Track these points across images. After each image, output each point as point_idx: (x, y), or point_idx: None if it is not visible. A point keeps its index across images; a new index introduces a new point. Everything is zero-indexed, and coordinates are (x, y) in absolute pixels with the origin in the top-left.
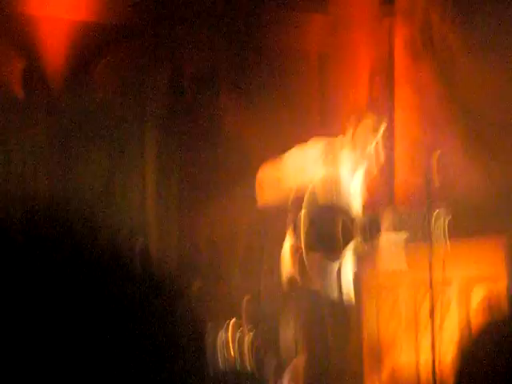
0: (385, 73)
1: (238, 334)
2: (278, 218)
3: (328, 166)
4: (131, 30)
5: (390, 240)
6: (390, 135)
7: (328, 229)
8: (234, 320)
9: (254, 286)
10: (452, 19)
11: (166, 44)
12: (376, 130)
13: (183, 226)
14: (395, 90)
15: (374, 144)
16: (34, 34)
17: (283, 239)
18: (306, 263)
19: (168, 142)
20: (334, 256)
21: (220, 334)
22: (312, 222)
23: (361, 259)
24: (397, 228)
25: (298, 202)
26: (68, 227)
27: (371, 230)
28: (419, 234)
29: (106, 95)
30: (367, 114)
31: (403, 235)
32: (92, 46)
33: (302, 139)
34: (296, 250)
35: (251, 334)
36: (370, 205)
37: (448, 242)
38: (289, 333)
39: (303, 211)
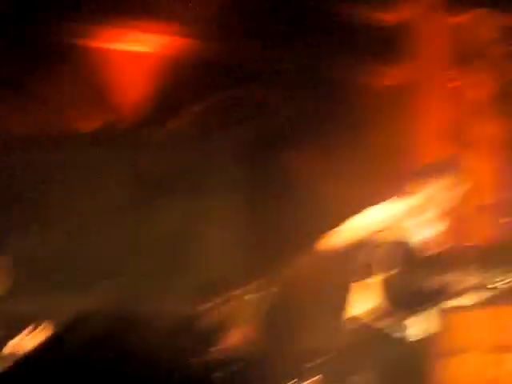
0: (456, 134)
1: None
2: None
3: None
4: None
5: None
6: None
7: (408, 283)
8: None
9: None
10: None
11: (248, 99)
12: (452, 189)
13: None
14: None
15: (449, 203)
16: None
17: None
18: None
19: (244, 202)
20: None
21: None
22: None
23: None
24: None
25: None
26: None
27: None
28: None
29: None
30: (443, 173)
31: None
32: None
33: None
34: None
35: None
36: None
37: None
38: None
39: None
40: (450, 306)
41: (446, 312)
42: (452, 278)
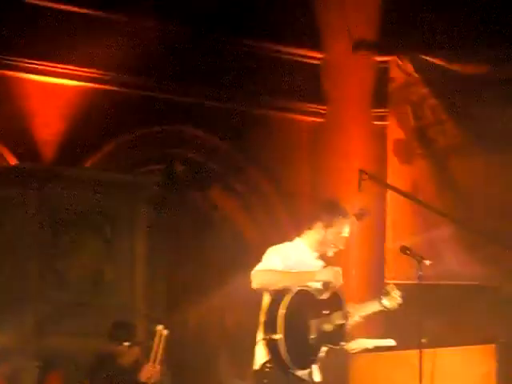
0: (376, 173)
1: None
2: None
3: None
4: (120, 124)
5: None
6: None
7: (302, 334)
8: None
9: None
10: (444, 120)
11: (157, 141)
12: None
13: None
14: (387, 192)
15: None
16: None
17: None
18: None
19: (157, 239)
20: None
21: None
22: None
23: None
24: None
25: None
26: None
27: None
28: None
29: (98, 191)
30: (351, 210)
31: (391, 342)
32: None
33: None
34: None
35: None
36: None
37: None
38: None
39: (280, 311)
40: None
41: (347, 356)
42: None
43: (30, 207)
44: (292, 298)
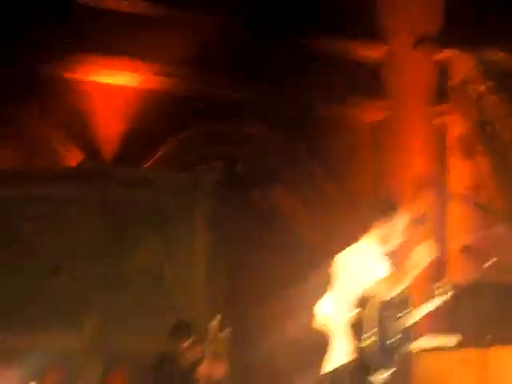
0: (437, 170)
1: None
2: None
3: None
4: (180, 124)
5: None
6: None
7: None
8: None
9: None
10: (505, 115)
11: (217, 139)
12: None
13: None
14: (449, 188)
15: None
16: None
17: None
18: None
19: (217, 236)
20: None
21: None
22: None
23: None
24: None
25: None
26: None
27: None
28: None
29: (158, 190)
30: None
31: (453, 340)
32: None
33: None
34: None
35: None
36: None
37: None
38: None
39: (367, 317)
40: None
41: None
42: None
43: (91, 207)
44: (378, 303)
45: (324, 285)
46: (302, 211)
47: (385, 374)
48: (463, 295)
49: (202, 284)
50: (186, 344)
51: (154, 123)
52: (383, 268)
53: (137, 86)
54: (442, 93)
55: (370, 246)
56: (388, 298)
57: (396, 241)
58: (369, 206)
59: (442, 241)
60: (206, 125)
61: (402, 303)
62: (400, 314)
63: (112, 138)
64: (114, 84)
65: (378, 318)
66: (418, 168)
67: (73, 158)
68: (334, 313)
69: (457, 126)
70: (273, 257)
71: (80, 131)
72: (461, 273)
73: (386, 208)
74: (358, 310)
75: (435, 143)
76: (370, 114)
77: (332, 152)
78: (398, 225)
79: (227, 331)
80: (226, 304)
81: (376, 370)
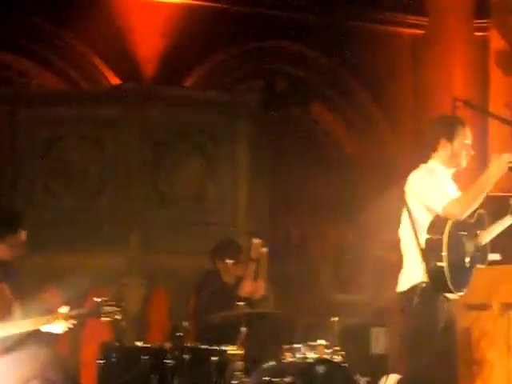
0: (478, 86)
1: None
2: None
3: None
4: (219, 42)
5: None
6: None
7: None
8: None
9: None
10: None
11: (256, 57)
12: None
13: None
14: (490, 104)
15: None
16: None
17: None
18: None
19: (259, 155)
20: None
21: None
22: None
23: None
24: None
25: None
26: None
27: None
28: None
29: (198, 110)
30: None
31: (496, 256)
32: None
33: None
34: None
35: None
36: None
37: None
38: None
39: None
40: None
41: None
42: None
43: (131, 127)
44: (453, 223)
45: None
46: (342, 128)
47: (461, 293)
48: None
49: (245, 202)
50: (229, 261)
51: (194, 42)
52: (455, 188)
53: (177, 2)
54: (482, 7)
55: (439, 166)
56: (463, 217)
57: (463, 161)
58: (433, 124)
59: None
60: (247, 43)
61: (478, 221)
62: (477, 232)
63: (152, 57)
64: (153, 1)
65: (454, 237)
66: (459, 84)
67: (114, 78)
68: (408, 233)
69: (498, 41)
70: (316, 173)
71: (120, 50)
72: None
73: (447, 121)
74: (432, 230)
75: (476, 59)
76: (410, 30)
77: (372, 70)
78: (462, 134)
79: (265, 250)
80: (269, 222)
81: (448, 289)
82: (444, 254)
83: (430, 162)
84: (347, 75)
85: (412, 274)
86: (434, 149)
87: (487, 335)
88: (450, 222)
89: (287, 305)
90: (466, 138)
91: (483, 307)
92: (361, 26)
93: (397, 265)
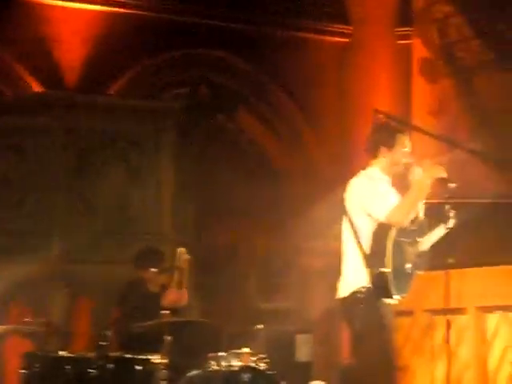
0: (402, 94)
1: None
2: None
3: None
4: (144, 49)
5: None
6: None
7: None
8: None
9: None
10: (469, 37)
11: (181, 65)
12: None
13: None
14: (413, 111)
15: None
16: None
17: None
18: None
19: (184, 164)
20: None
21: None
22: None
23: None
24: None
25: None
26: None
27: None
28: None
29: (122, 118)
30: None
31: None
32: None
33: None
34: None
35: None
36: None
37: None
38: None
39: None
40: None
41: None
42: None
43: (55, 135)
44: (396, 230)
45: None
46: (268, 137)
47: (400, 298)
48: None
49: (169, 211)
50: (153, 270)
51: (119, 50)
52: (395, 195)
53: (101, 10)
54: (405, 15)
55: (379, 173)
56: (406, 224)
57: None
58: (374, 132)
59: None
60: (171, 51)
61: (419, 228)
62: (417, 239)
63: (75, 65)
64: (77, 8)
65: (397, 244)
66: (383, 92)
67: (37, 86)
68: (348, 239)
69: (420, 49)
70: (242, 181)
71: (44, 58)
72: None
73: (387, 129)
74: (377, 237)
75: (399, 67)
76: (335, 38)
77: (297, 78)
78: (402, 142)
79: (188, 257)
80: (194, 230)
81: (391, 295)
82: (388, 260)
83: (370, 168)
84: (272, 84)
85: (353, 280)
86: (374, 156)
87: (411, 342)
88: (393, 229)
89: (213, 313)
90: (405, 146)
91: (407, 314)
92: (286, 35)
93: (321, 272)
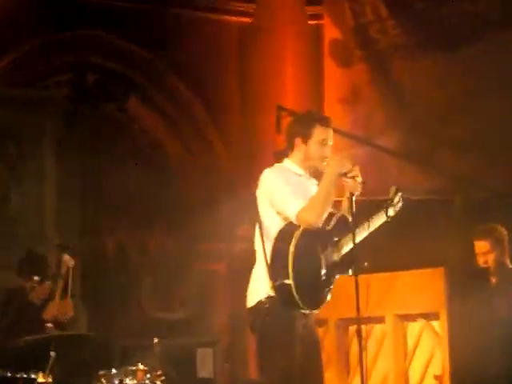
0: (312, 79)
1: None
2: None
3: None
4: (23, 32)
5: None
6: None
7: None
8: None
9: None
10: (385, 17)
11: (66, 49)
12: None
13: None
14: (325, 99)
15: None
16: None
17: None
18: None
19: (69, 158)
20: None
21: None
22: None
23: None
24: None
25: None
26: None
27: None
28: None
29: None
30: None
31: None
32: None
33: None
34: None
35: None
36: None
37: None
38: None
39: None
40: None
41: None
42: None
43: None
44: (299, 234)
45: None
46: (163, 127)
47: (316, 309)
48: None
49: (53, 211)
50: (35, 278)
51: None
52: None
53: None
54: None
55: (295, 167)
56: (319, 224)
57: (319, 164)
58: (291, 121)
59: None
60: (54, 33)
61: (337, 227)
62: (337, 239)
63: None
64: None
65: (304, 248)
66: (291, 77)
67: None
68: (257, 242)
69: (331, 30)
70: (135, 177)
71: None
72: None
73: (303, 119)
74: (279, 241)
75: (309, 49)
76: (236, 18)
77: (195, 62)
78: (320, 135)
79: (72, 263)
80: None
81: (299, 307)
82: (290, 270)
83: (286, 161)
84: (167, 69)
85: (259, 288)
86: (291, 148)
87: (325, 354)
88: (297, 232)
89: (103, 325)
90: (324, 139)
91: (320, 323)
92: (182, 14)
93: (226, 277)
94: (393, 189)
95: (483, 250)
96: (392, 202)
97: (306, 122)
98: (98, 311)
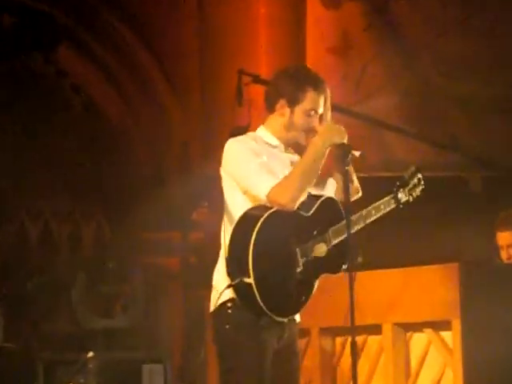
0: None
1: None
2: None
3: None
4: None
5: None
6: None
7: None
8: None
9: None
10: None
11: None
12: None
13: None
14: (307, 49)
15: None
16: None
17: None
18: None
19: None
20: None
21: None
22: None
23: None
24: None
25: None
26: None
27: None
28: None
29: None
30: None
31: None
32: None
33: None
34: None
35: None
36: None
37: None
38: None
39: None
40: None
41: None
42: None
43: None
44: (265, 220)
45: None
46: (102, 83)
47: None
48: None
49: None
50: None
51: None
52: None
53: None
54: None
55: (270, 137)
56: (294, 206)
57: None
58: (278, 74)
59: None
60: None
61: (322, 213)
62: (321, 229)
63: None
64: None
65: (271, 240)
66: (264, 24)
67: None
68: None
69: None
70: (65, 146)
71: None
72: None
73: (294, 77)
74: (239, 230)
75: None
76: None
77: (142, 5)
78: (311, 102)
79: None
80: None
81: (270, 315)
82: (251, 265)
83: (260, 128)
84: (108, 11)
85: (222, 287)
86: (271, 110)
87: (305, 371)
88: (262, 218)
89: (24, 335)
90: (315, 107)
91: (302, 333)
92: None
93: (179, 275)
94: (412, 168)
95: (507, 243)
96: (407, 184)
97: (298, 81)
98: (18, 319)
